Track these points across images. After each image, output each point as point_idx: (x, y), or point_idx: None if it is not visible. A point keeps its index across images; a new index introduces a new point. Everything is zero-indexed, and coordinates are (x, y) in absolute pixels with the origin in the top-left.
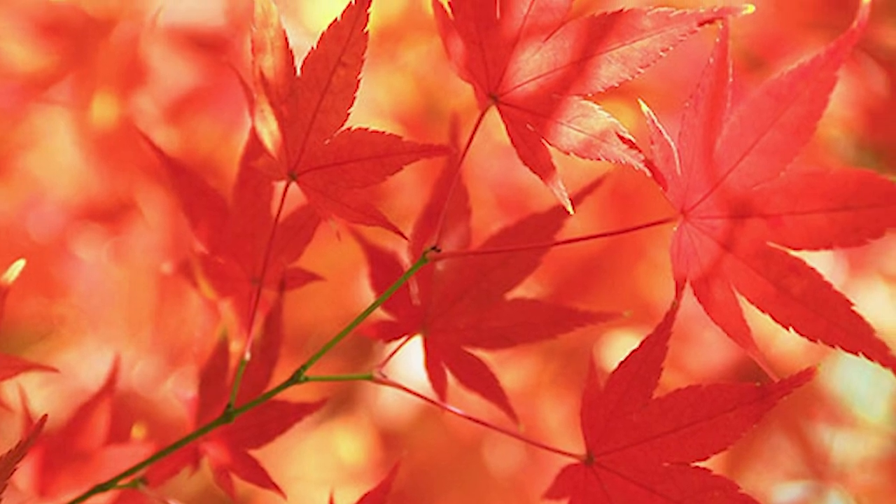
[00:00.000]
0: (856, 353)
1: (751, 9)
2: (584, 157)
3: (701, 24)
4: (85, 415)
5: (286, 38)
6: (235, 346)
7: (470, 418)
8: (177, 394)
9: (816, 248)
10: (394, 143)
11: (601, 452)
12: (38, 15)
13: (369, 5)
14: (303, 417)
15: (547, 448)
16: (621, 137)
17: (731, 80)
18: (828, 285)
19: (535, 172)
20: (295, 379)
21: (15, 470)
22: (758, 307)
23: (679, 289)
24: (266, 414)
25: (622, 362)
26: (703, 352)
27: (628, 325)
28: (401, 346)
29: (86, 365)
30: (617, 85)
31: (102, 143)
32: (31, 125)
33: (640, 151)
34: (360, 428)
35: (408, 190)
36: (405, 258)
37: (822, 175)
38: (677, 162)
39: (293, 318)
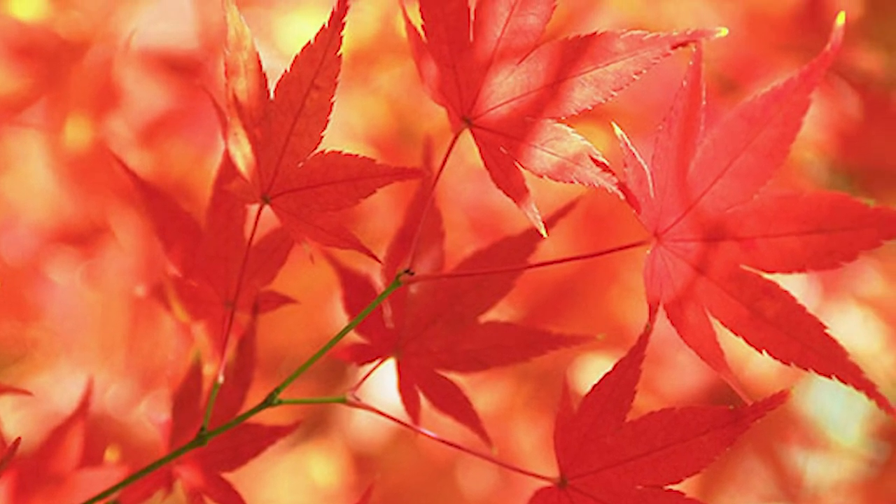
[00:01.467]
0: (829, 377)
1: (724, 32)
2: (557, 180)
3: (674, 48)
4: (58, 438)
5: (259, 61)
6: (209, 369)
7: (443, 441)
8: (150, 417)
9: (790, 271)
10: (367, 166)
11: (574, 475)
12: (10, 38)
13: (343, 28)
14: (276, 440)
15: (520, 471)
16: (594, 160)
17: (704, 103)
18: (801, 308)
19: (508, 195)
20: (268, 402)
21: None
22: (731, 330)
23: (652, 312)
24: (239, 437)
25: (595, 385)
26: (677, 375)
27: (602, 348)
28: (374, 368)
29: (59, 388)
30: (590, 108)
31: (76, 167)
32: (4, 148)
33: (613, 174)
34: (334, 451)
35: (381, 213)
36: (378, 281)
37: (795, 198)
38: (650, 185)
39: (266, 340)
